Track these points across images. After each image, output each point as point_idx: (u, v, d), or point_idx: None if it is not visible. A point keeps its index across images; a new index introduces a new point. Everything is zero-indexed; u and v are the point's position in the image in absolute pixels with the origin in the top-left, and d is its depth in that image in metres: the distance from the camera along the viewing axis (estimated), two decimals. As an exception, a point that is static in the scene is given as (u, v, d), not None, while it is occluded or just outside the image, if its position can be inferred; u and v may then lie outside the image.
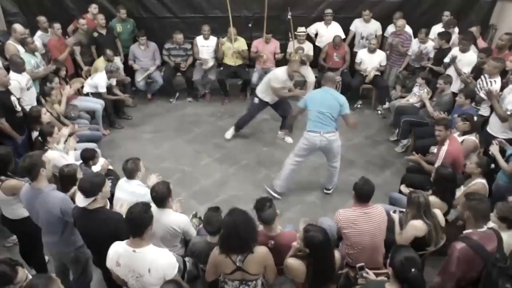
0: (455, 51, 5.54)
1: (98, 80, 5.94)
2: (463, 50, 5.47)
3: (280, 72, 5.41)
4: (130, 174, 3.48)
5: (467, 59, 5.43)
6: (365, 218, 3.17)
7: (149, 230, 2.56)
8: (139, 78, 6.77)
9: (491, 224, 3.01)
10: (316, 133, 4.34)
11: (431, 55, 6.29)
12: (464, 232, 2.88)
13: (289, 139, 5.84)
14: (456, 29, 6.34)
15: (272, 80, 5.39)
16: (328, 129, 4.32)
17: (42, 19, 6.18)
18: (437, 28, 6.40)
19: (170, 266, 2.55)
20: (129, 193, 3.42)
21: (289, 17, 6.40)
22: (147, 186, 3.53)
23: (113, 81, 6.12)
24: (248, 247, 2.67)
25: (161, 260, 2.53)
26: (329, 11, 6.80)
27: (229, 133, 5.94)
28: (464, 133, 4.40)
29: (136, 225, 2.49)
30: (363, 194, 3.19)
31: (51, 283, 2.16)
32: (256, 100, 5.68)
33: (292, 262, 2.76)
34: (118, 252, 2.57)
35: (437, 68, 5.88)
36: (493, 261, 2.58)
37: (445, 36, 5.94)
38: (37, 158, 3.00)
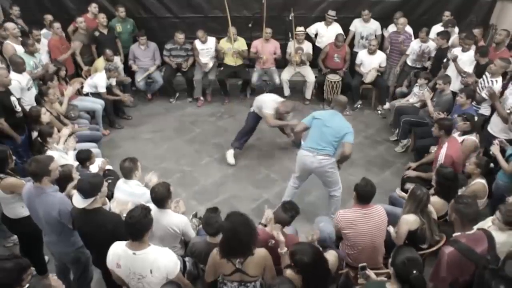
0: (457, 51, 5.51)
1: (98, 80, 5.94)
2: (465, 49, 5.47)
3: (269, 102, 5.11)
4: (128, 173, 3.47)
5: (467, 58, 5.43)
6: (365, 218, 3.17)
7: (149, 232, 2.56)
8: (139, 78, 6.77)
9: (489, 223, 3.00)
10: (309, 153, 4.04)
11: (432, 54, 6.26)
12: (454, 235, 2.84)
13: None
14: (456, 29, 6.33)
15: (264, 108, 5.08)
16: (323, 152, 3.99)
17: (48, 16, 6.26)
18: (437, 28, 6.39)
19: (172, 264, 2.57)
20: (128, 193, 3.41)
21: (291, 18, 6.39)
22: (145, 185, 3.53)
23: (113, 81, 6.12)
24: (250, 250, 2.66)
25: (163, 259, 2.54)
26: (332, 13, 6.74)
27: (230, 157, 5.41)
28: (464, 133, 4.40)
29: (137, 229, 2.48)
30: (364, 195, 3.19)
31: None
32: (251, 109, 5.39)
33: (292, 276, 2.74)
34: (118, 253, 2.57)
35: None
36: (485, 263, 2.55)
37: (445, 35, 5.93)
38: (43, 167, 2.95)
